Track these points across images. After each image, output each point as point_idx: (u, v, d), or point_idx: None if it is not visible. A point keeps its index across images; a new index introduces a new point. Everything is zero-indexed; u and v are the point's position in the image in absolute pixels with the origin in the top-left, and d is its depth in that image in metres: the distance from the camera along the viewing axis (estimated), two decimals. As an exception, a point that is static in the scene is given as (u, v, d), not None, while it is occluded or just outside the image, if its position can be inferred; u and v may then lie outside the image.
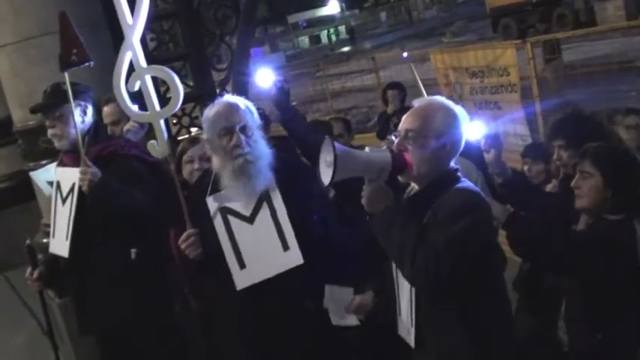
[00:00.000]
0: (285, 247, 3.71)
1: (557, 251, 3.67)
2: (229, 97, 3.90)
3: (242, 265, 3.76)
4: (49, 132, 4.64)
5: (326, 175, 2.99)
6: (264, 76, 4.47)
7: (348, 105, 21.43)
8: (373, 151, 3.17)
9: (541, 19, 30.00)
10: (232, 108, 3.76)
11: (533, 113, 8.51)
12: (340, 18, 78.29)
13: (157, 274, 4.55)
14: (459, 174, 3.27)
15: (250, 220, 3.78)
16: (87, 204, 4.44)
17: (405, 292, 3.28)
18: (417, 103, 3.37)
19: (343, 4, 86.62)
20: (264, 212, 3.76)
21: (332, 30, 69.28)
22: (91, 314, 4.72)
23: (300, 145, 4.59)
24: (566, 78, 14.18)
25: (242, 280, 3.75)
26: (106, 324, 4.65)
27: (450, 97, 9.28)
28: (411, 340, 3.27)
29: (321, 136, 4.42)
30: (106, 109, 5.35)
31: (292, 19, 77.00)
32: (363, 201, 3.16)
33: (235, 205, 3.79)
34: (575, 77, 14.73)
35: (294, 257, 3.69)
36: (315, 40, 72.11)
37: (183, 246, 3.78)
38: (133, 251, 4.53)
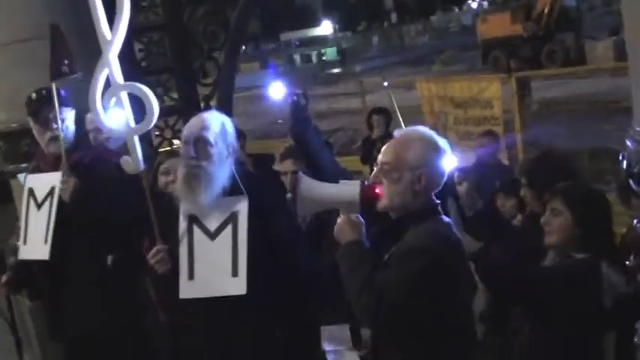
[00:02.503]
0: (235, 273, 3.74)
1: (523, 286, 3.73)
2: (209, 113, 3.97)
3: (191, 275, 3.81)
4: (48, 134, 4.64)
5: (300, 208, 3.08)
6: (277, 89, 4.53)
7: (333, 126, 21.48)
8: (344, 184, 3.22)
9: (531, 54, 30.25)
10: (201, 121, 3.84)
11: (514, 147, 8.62)
12: (332, 39, 78.56)
13: (133, 282, 4.57)
14: (439, 209, 3.24)
15: (212, 236, 3.82)
16: (64, 211, 4.47)
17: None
18: (397, 133, 3.39)
19: (336, 26, 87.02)
20: (227, 233, 3.80)
21: (323, 50, 69.43)
22: (63, 320, 4.72)
23: (310, 160, 4.58)
24: (551, 114, 14.31)
25: (187, 290, 3.80)
26: (78, 330, 4.65)
27: (434, 126, 9.44)
28: None
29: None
30: (89, 117, 5.37)
31: (285, 37, 77.28)
32: (334, 231, 3.20)
33: (203, 217, 3.84)
34: (559, 114, 14.86)
35: (239, 286, 3.71)
36: (306, 59, 72.27)
37: (152, 261, 3.83)
38: (110, 258, 4.56)
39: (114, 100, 3.95)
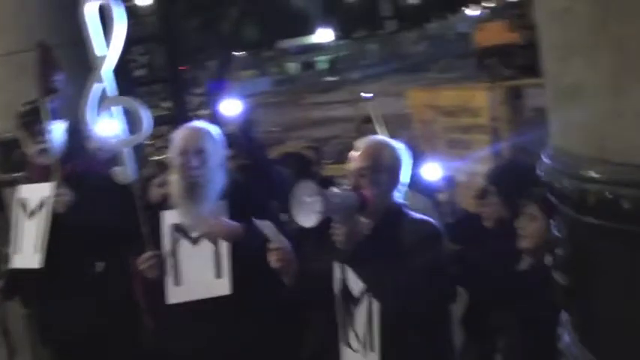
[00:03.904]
0: (218, 275, 3.91)
1: (500, 289, 3.87)
2: (199, 123, 4.10)
3: (178, 281, 3.97)
4: (36, 147, 4.75)
5: (307, 218, 3.17)
6: (231, 106, 4.58)
7: (329, 134, 21.58)
8: (338, 192, 3.36)
9: (527, 62, 30.33)
10: (194, 132, 3.98)
11: (501, 154, 8.73)
12: (330, 47, 78.58)
13: (122, 288, 4.64)
14: (406, 203, 3.56)
15: (194, 241, 3.98)
16: (57, 220, 4.58)
17: (361, 321, 3.44)
18: (361, 143, 3.59)
19: (334, 34, 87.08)
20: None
21: (320, 58, 69.50)
22: (52, 325, 4.83)
23: (262, 176, 4.70)
24: (542, 122, 14.41)
25: (174, 295, 3.97)
26: (66, 336, 4.75)
27: (424, 134, 9.55)
28: None
29: (290, 169, 4.62)
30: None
31: (281, 44, 77.25)
32: (339, 237, 3.34)
33: (185, 224, 3.98)
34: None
35: (223, 286, 3.88)
36: (304, 67, 72.31)
37: (142, 267, 3.97)
38: (99, 265, 4.68)
39: (106, 112, 4.09)
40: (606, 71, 1.88)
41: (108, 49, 4.10)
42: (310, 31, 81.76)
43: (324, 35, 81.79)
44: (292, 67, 72.90)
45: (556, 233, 2.25)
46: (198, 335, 3.93)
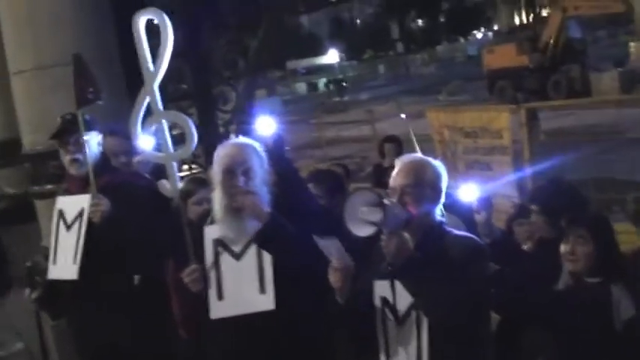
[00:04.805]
0: (262, 290, 3.89)
1: (538, 310, 3.90)
2: (242, 139, 4.11)
3: (220, 296, 3.96)
4: (68, 157, 4.79)
5: (361, 228, 3.25)
6: (266, 125, 4.31)
7: (342, 153, 21.61)
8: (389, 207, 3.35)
9: (537, 85, 30.42)
10: (240, 149, 3.97)
11: (523, 176, 8.75)
12: (339, 68, 78.89)
13: (159, 300, 4.67)
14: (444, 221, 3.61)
15: (238, 256, 3.97)
16: (94, 231, 4.62)
17: (408, 338, 3.46)
18: (401, 161, 3.67)
19: (343, 55, 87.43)
20: (252, 253, 3.95)
21: (329, 78, 69.68)
22: (88, 336, 4.86)
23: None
24: (556, 144, 14.45)
25: (217, 310, 3.95)
26: (102, 347, 4.77)
27: (443, 155, 9.58)
28: None
29: (322, 185, 4.61)
30: (108, 140, 5.52)
31: (291, 65, 77.57)
32: (389, 251, 3.34)
33: (228, 240, 3.99)
34: (564, 144, 14.99)
35: (267, 302, 3.87)
36: (313, 87, 72.57)
37: (186, 280, 3.96)
38: (137, 277, 4.71)
39: (154, 126, 4.14)
40: None
41: (156, 66, 4.15)
42: (320, 51, 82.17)
43: (333, 56, 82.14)
44: (301, 87, 73.14)
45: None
46: (237, 349, 3.95)
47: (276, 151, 4.24)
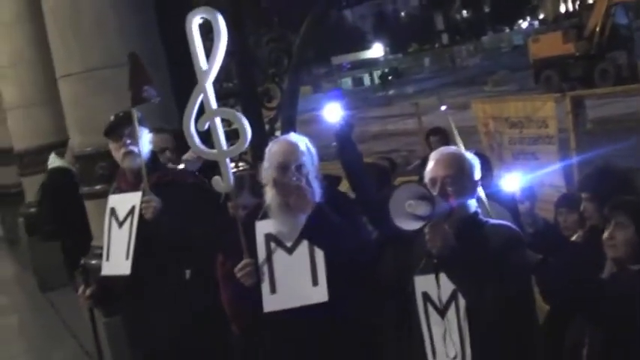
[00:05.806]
0: (315, 282, 3.93)
1: (584, 299, 3.88)
2: (293, 136, 4.17)
3: (273, 289, 4.01)
4: (123, 150, 4.83)
5: (409, 222, 3.33)
6: (332, 111, 4.35)
7: (387, 148, 21.59)
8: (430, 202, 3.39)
9: (583, 73, 30.12)
10: (292, 146, 4.01)
11: (570, 165, 8.69)
12: (384, 61, 78.76)
13: (210, 295, 4.73)
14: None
15: (290, 250, 4.02)
16: (145, 228, 4.71)
17: (450, 329, 3.52)
18: (438, 153, 3.75)
19: (387, 48, 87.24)
20: (304, 246, 3.99)
21: (375, 73, 69.56)
22: (141, 332, 4.96)
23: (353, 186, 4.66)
24: (604, 133, 14.29)
25: (270, 303, 4.00)
26: (154, 342, 4.83)
27: (489, 146, 9.54)
28: None
29: (373, 180, 4.65)
30: (155, 137, 5.61)
31: (336, 60, 77.62)
32: (434, 244, 3.41)
33: (279, 234, 4.04)
34: (612, 132, 14.80)
35: (320, 294, 3.91)
36: (358, 82, 72.47)
37: (239, 274, 4.02)
38: (188, 272, 4.81)
39: (207, 123, 4.23)
40: None
41: (209, 65, 4.23)
42: (365, 46, 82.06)
43: (377, 50, 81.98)
44: (347, 82, 73.10)
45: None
46: (291, 343, 4.02)
47: (343, 137, 4.29)
